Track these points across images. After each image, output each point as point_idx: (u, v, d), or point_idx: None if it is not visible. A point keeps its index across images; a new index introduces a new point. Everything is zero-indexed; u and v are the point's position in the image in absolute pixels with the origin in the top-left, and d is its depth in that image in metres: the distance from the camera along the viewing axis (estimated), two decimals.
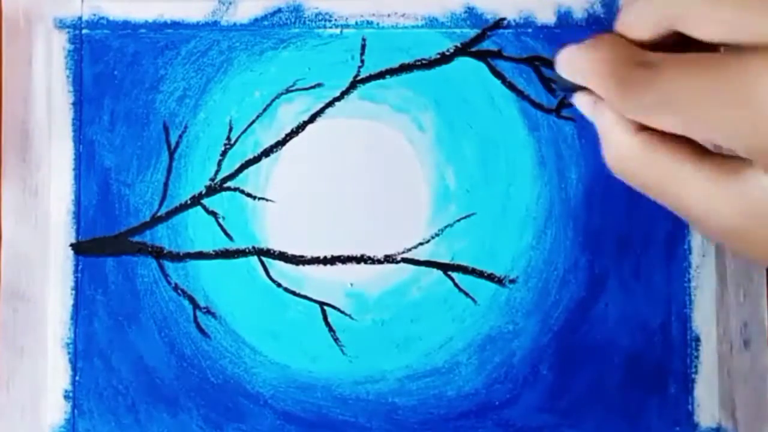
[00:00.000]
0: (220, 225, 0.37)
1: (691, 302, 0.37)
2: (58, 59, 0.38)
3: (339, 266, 0.37)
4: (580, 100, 0.27)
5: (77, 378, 0.37)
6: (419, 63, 0.38)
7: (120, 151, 0.38)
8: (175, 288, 0.37)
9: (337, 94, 0.38)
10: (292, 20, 0.38)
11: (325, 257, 0.37)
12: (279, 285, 0.37)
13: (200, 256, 0.37)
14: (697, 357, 0.37)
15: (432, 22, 0.38)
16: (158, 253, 0.37)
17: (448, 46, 0.38)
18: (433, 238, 0.37)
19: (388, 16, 0.38)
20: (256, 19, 0.38)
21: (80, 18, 0.38)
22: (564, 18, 0.38)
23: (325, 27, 0.38)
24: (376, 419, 0.37)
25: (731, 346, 0.37)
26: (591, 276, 0.37)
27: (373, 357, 0.37)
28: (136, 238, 0.37)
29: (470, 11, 0.38)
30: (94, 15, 0.38)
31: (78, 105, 0.38)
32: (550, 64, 0.38)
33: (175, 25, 0.38)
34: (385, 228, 0.37)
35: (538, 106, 0.37)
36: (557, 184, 0.37)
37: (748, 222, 0.22)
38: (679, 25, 0.23)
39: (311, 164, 0.37)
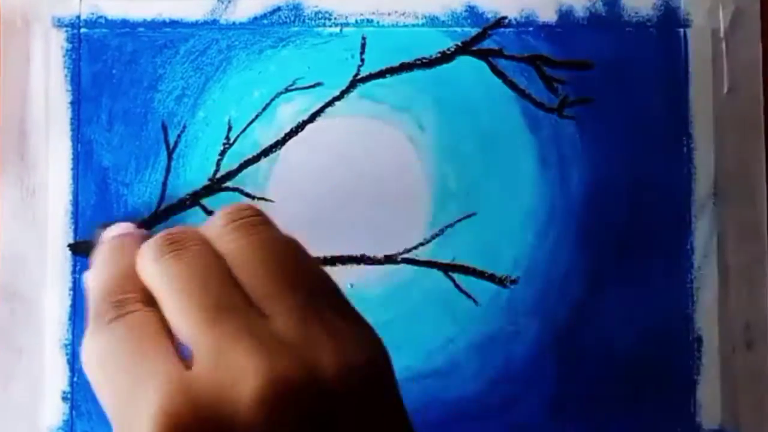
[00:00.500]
0: None
1: (693, 303, 0.37)
2: (56, 58, 0.38)
3: (339, 266, 0.37)
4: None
5: (75, 379, 0.37)
6: (420, 62, 0.37)
7: (118, 150, 0.37)
8: None
9: (337, 93, 0.37)
10: (292, 19, 0.38)
11: (325, 257, 0.37)
12: None
13: None
14: (699, 358, 0.37)
15: (432, 21, 0.38)
16: None
17: (448, 44, 0.37)
18: (433, 238, 0.37)
19: (389, 14, 0.38)
20: (255, 18, 0.38)
21: (78, 17, 0.38)
22: (565, 16, 0.38)
23: (324, 25, 0.38)
24: None
25: (733, 347, 0.37)
26: (592, 276, 0.37)
27: None
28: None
29: (471, 10, 0.38)
30: (93, 14, 0.38)
31: (76, 104, 0.38)
32: (551, 63, 0.38)
33: (174, 23, 0.38)
34: (385, 228, 0.37)
35: (539, 105, 0.37)
36: (559, 183, 0.37)
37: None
38: None
39: (311, 164, 0.37)
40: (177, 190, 0.37)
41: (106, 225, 0.32)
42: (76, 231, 0.37)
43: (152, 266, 0.24)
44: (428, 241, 0.37)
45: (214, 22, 0.38)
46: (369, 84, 0.37)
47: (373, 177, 0.37)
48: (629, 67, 0.37)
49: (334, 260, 0.37)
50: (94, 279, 0.26)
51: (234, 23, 0.38)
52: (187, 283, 0.23)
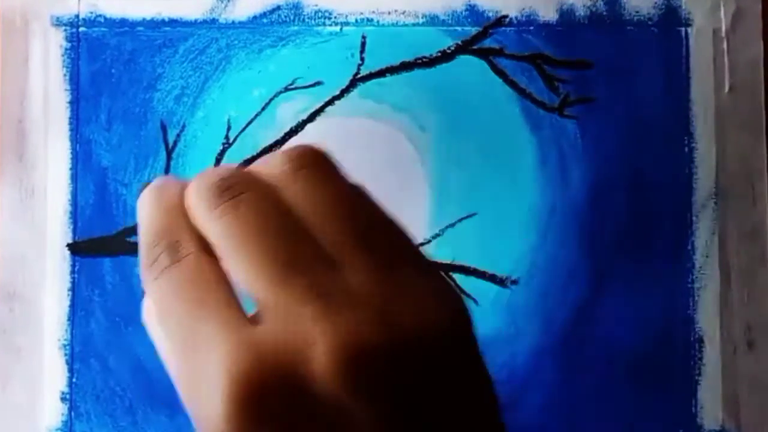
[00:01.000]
0: None
1: (695, 303, 0.37)
2: (55, 57, 0.37)
3: None
4: None
5: (74, 379, 0.37)
6: (420, 61, 0.37)
7: (117, 150, 0.37)
8: None
9: (337, 92, 0.37)
10: (292, 18, 0.38)
11: None
12: None
13: None
14: (700, 359, 0.37)
15: (433, 20, 0.37)
16: None
17: (449, 43, 0.37)
18: (433, 238, 0.37)
19: (389, 13, 0.37)
20: (254, 17, 0.38)
21: (77, 16, 0.38)
22: (566, 15, 0.38)
23: (324, 24, 0.37)
24: None
25: (735, 347, 0.37)
26: (593, 277, 0.37)
27: None
28: (134, 238, 0.37)
29: (471, 9, 0.37)
30: (91, 13, 0.38)
31: (75, 103, 0.37)
32: (552, 63, 0.38)
33: (173, 22, 0.38)
34: None
35: (540, 104, 0.37)
36: (559, 183, 0.37)
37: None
38: None
39: None
40: None
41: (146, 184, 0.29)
42: (75, 231, 0.37)
43: (206, 215, 0.22)
44: (428, 241, 0.37)
45: (214, 21, 0.38)
46: (369, 83, 0.37)
47: (373, 177, 0.37)
48: (630, 66, 0.37)
49: None
50: (141, 226, 0.23)
51: (233, 22, 0.37)
52: (253, 237, 0.21)
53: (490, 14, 0.37)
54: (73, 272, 0.37)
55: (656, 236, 0.37)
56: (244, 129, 0.37)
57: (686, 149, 0.37)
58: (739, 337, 0.37)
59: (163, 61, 0.37)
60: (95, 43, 0.38)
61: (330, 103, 0.37)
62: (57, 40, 0.38)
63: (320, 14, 0.37)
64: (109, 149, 0.37)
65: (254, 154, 0.37)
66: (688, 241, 0.37)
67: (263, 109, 0.37)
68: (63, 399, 0.37)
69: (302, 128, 0.37)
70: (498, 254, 0.37)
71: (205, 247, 0.22)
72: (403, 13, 0.37)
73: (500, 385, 0.37)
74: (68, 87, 0.37)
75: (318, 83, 0.37)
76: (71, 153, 0.37)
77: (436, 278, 0.22)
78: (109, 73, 0.37)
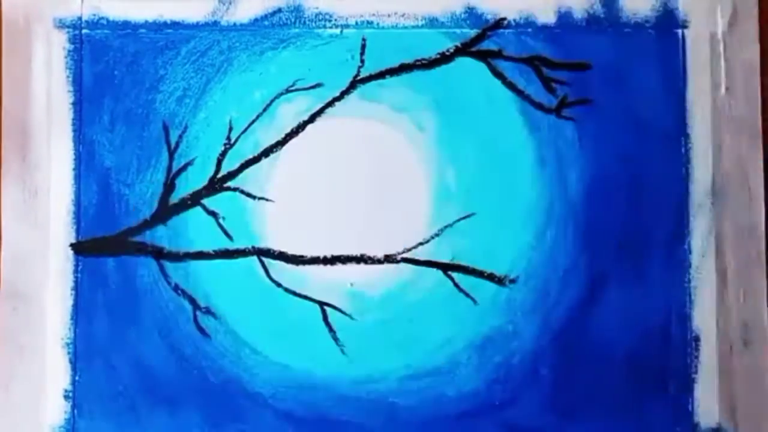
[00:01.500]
0: (220, 225, 0.37)
1: (691, 302, 0.37)
2: (58, 59, 0.38)
3: (339, 266, 0.37)
4: None
5: (77, 378, 0.37)
6: (419, 63, 0.38)
7: (120, 151, 0.38)
8: (175, 288, 0.37)
9: (337, 94, 0.38)
10: (292, 20, 0.38)
11: (325, 257, 0.37)
12: (279, 285, 0.37)
13: (200, 256, 0.37)
14: (697, 357, 0.37)
15: (432, 22, 0.38)
16: (158, 253, 0.37)
17: (448, 46, 0.38)
18: (433, 238, 0.37)
19: (389, 16, 0.38)
20: (256, 19, 0.38)
21: (80, 18, 0.38)
22: (564, 18, 0.38)
23: (325, 27, 0.38)
24: (376, 419, 0.37)
25: (731, 345, 0.37)
26: (591, 276, 0.37)
27: (373, 357, 0.37)
28: (136, 238, 0.37)
29: (470, 11, 0.38)
30: (94, 15, 0.38)
31: (78, 105, 0.38)
32: (550, 64, 0.38)
33: (175, 25, 0.38)
34: (385, 228, 0.37)
35: (538, 106, 0.37)
36: (557, 184, 0.37)
37: None
38: None
39: (311, 164, 0.37)
40: (178, 190, 0.38)
41: None
42: (78, 231, 0.37)
43: None
44: (428, 241, 0.37)
45: (215, 23, 0.38)
46: (369, 85, 0.38)
47: (373, 177, 0.37)
48: (627, 68, 0.38)
49: (334, 260, 0.37)
50: None
51: (235, 24, 0.38)
52: None
53: (489, 17, 0.38)
54: (76, 272, 0.37)
55: (653, 235, 0.37)
56: (245, 130, 0.38)
57: (683, 150, 0.37)
58: (735, 335, 0.37)
59: (166, 63, 0.38)
60: (98, 45, 0.38)
61: (330, 104, 0.38)
62: (60, 42, 0.38)
63: (321, 17, 0.38)
64: (112, 150, 0.38)
65: (255, 154, 0.38)
66: (685, 240, 0.37)
67: (264, 110, 0.38)
68: (66, 397, 0.37)
69: (303, 129, 0.38)
70: (496, 253, 0.37)
71: None
72: (403, 15, 0.38)
73: (498, 383, 0.37)
74: (71, 88, 0.38)
75: (318, 85, 0.38)
76: (74, 154, 0.38)
77: None
78: (112, 74, 0.38)
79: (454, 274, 0.37)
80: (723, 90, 0.38)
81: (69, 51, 0.38)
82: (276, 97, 0.38)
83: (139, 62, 0.38)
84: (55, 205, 0.37)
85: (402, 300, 0.37)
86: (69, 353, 0.37)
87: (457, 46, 0.38)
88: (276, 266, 0.37)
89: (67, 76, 0.38)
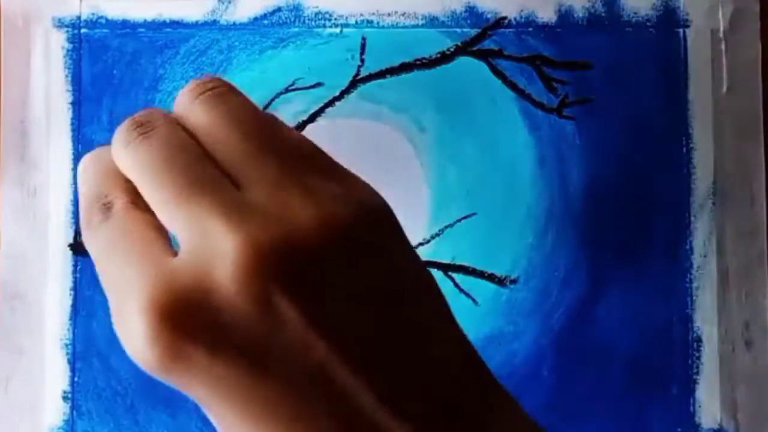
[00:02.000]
0: None
1: (693, 303, 0.37)
2: (57, 59, 0.38)
3: None
4: None
5: (76, 378, 0.37)
6: (420, 62, 0.37)
7: None
8: None
9: (337, 93, 0.38)
10: (292, 19, 0.38)
11: None
12: None
13: None
14: (698, 358, 0.37)
15: (432, 21, 0.38)
16: None
17: (448, 45, 0.38)
18: (433, 238, 0.37)
19: (389, 15, 0.38)
20: (255, 18, 0.38)
21: (79, 17, 0.38)
22: (565, 17, 0.38)
23: (325, 26, 0.38)
24: None
25: (733, 346, 0.37)
26: (592, 276, 0.37)
27: None
28: None
29: (471, 10, 0.38)
30: (93, 14, 0.38)
31: (77, 104, 0.38)
32: (551, 64, 0.38)
33: (174, 24, 0.38)
34: None
35: (539, 105, 0.37)
36: (558, 184, 0.37)
37: None
38: None
39: None
40: None
41: None
42: (76, 231, 0.37)
43: (123, 153, 0.23)
44: (428, 241, 0.37)
45: (215, 22, 0.38)
46: (369, 84, 0.37)
47: (373, 177, 0.37)
48: (628, 67, 0.37)
49: None
50: (79, 195, 0.24)
51: (234, 23, 0.38)
52: (157, 164, 0.21)
53: (489, 16, 0.38)
54: (74, 272, 0.37)
55: (654, 236, 0.37)
56: None
57: (684, 150, 0.37)
58: (737, 336, 0.37)
59: (165, 62, 0.38)
60: (97, 44, 0.38)
61: (330, 104, 0.38)
62: (59, 42, 0.38)
63: (320, 16, 0.38)
64: None
65: None
66: (686, 240, 0.37)
67: (264, 109, 0.37)
68: (65, 398, 0.37)
69: (302, 129, 0.37)
70: (497, 254, 0.37)
71: (139, 195, 0.23)
72: (403, 14, 0.38)
73: None
74: (70, 88, 0.38)
75: (318, 84, 0.38)
76: (73, 154, 0.37)
77: (346, 180, 0.23)
78: (111, 74, 0.38)
79: (455, 275, 0.37)
80: (725, 89, 0.37)
81: (68, 50, 0.38)
82: (276, 97, 0.38)
83: (138, 62, 0.38)
84: (53, 204, 0.37)
85: None
86: (68, 354, 0.37)
87: (457, 45, 0.38)
88: None
89: (65, 76, 0.38)
